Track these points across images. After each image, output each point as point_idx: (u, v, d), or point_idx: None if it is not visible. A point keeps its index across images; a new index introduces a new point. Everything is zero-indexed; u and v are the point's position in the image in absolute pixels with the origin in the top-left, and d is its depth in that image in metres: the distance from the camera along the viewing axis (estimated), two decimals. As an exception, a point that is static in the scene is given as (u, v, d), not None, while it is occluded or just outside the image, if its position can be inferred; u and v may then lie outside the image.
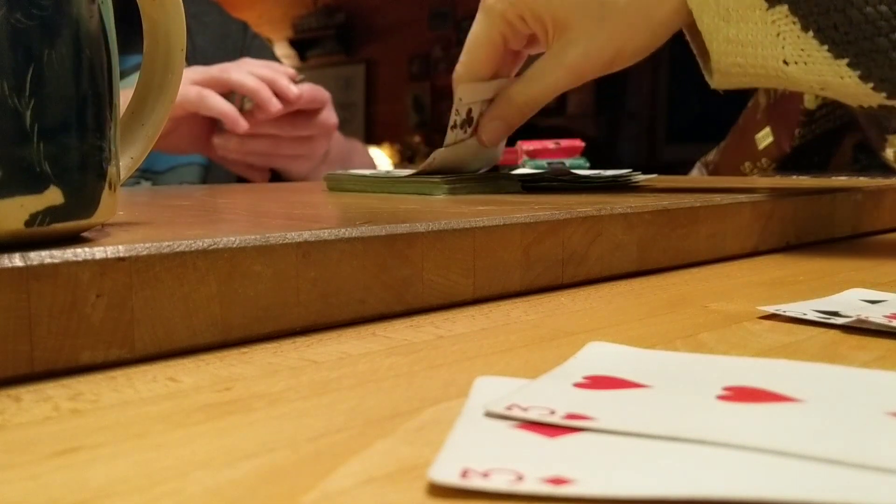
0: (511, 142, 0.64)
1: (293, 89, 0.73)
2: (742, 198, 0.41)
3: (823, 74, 0.38)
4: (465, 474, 0.13)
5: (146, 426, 0.16)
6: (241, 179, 0.94)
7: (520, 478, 0.13)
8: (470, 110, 0.46)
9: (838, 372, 0.19)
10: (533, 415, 0.16)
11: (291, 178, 0.86)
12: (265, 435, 0.16)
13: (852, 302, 0.28)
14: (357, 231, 0.25)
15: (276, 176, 0.98)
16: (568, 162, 0.61)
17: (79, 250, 0.20)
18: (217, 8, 1.03)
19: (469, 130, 0.47)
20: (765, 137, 0.86)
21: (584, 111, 3.96)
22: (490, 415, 0.16)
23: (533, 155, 0.61)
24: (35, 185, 0.21)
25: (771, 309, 0.27)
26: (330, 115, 0.79)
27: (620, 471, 0.13)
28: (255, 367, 0.21)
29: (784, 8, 0.38)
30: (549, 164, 0.60)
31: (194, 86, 0.72)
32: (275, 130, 0.76)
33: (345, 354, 0.22)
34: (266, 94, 0.72)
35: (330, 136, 0.81)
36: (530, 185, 0.50)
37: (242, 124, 0.73)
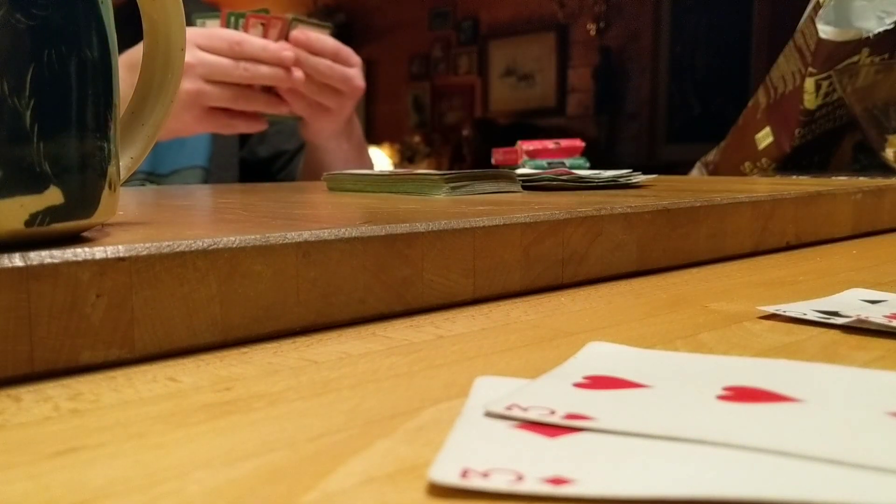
0: (511, 142, 0.64)
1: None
2: (742, 198, 0.41)
3: None
4: (465, 474, 0.13)
5: (146, 426, 0.16)
6: (242, 179, 0.94)
7: (520, 478, 0.13)
8: None
9: (838, 372, 0.19)
10: (533, 415, 0.16)
11: (314, 134, 0.85)
12: (265, 435, 0.16)
13: (852, 302, 0.28)
14: (357, 231, 0.25)
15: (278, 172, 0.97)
16: (568, 162, 0.61)
17: (79, 250, 0.20)
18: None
19: None
20: (765, 137, 0.86)
21: (584, 111, 3.96)
22: (490, 415, 0.16)
23: (533, 155, 0.61)
24: (35, 185, 0.21)
25: (771, 309, 0.27)
26: (359, 77, 0.79)
27: (620, 471, 0.13)
28: (255, 367, 0.21)
29: None
30: (549, 164, 0.60)
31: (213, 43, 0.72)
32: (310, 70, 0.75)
33: (345, 354, 0.22)
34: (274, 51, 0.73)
35: (356, 98, 0.80)
36: (530, 185, 0.50)
37: (288, 54, 0.72)
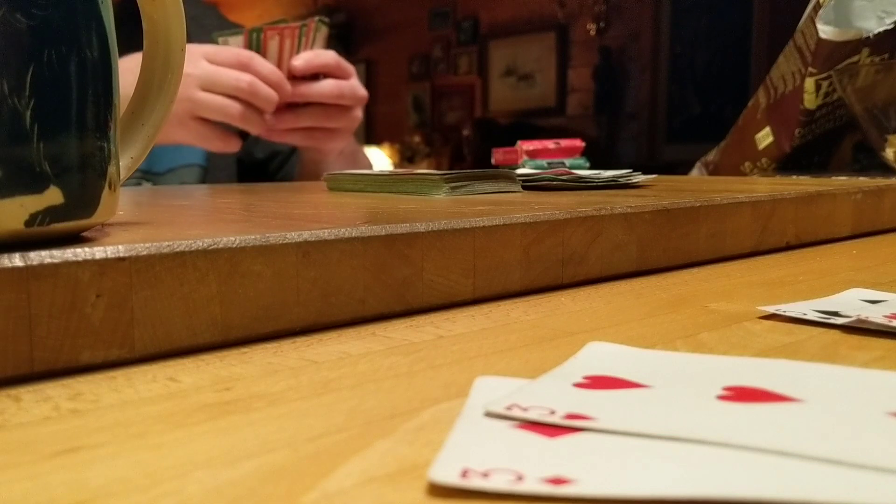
0: (511, 142, 0.64)
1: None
2: (742, 198, 0.41)
3: None
4: (465, 474, 0.13)
5: (146, 426, 0.16)
6: (241, 179, 0.94)
7: (520, 478, 0.13)
8: None
9: (838, 372, 0.19)
10: (533, 415, 0.16)
11: (324, 154, 0.84)
12: (265, 435, 0.16)
13: (852, 302, 0.28)
14: (357, 231, 0.25)
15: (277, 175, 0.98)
16: (568, 162, 0.61)
17: (79, 250, 0.20)
18: (215, 11, 1.03)
19: None
20: (765, 137, 0.86)
21: (584, 111, 3.96)
22: (490, 415, 0.16)
23: (533, 155, 0.61)
24: (35, 185, 0.21)
25: (771, 309, 0.27)
26: (360, 86, 0.78)
27: (620, 471, 0.13)
28: (255, 367, 0.21)
29: None
30: (549, 164, 0.60)
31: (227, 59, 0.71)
32: (316, 99, 0.75)
33: (345, 354, 0.22)
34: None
35: (361, 107, 0.80)
36: (530, 185, 0.50)
37: (287, 89, 0.72)
